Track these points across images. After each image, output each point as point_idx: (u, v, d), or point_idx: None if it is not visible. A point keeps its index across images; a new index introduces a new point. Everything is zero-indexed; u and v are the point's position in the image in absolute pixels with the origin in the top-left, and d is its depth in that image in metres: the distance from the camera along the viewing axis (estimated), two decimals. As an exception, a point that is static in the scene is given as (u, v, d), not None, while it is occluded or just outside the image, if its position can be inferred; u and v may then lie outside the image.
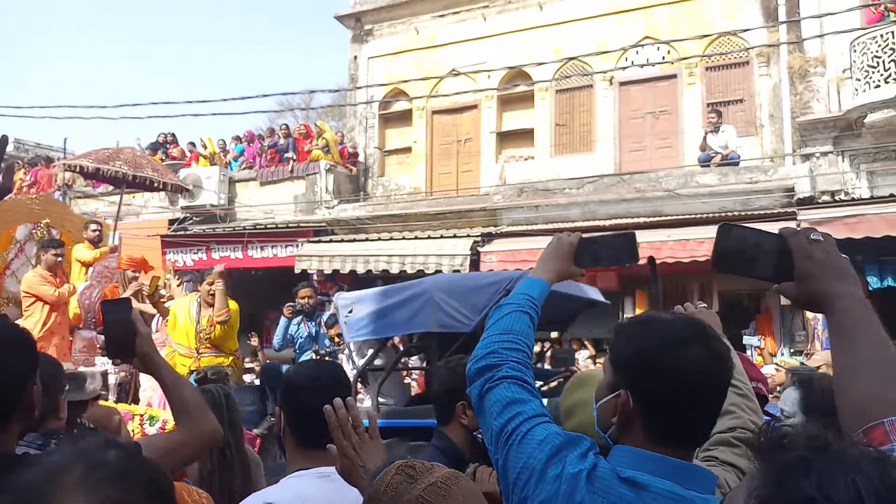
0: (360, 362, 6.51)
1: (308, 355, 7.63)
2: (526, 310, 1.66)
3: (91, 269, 7.73)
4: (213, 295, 6.76)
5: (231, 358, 6.83)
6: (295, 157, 15.22)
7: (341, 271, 12.69)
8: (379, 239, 12.98)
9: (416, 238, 12.71)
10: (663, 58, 12.79)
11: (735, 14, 12.39)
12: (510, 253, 11.70)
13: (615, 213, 11.59)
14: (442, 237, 12.55)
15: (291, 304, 7.67)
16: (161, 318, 7.44)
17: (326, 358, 7.23)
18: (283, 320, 7.84)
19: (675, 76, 13.00)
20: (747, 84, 12.55)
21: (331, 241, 13.45)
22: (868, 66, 10.38)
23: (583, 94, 13.89)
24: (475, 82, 14.17)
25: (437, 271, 12.12)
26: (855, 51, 10.59)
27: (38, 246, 8.04)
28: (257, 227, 14.19)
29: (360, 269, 12.59)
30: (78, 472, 0.92)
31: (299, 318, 7.91)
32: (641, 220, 11.12)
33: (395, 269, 12.26)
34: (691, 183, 11.38)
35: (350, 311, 6.07)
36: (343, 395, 1.63)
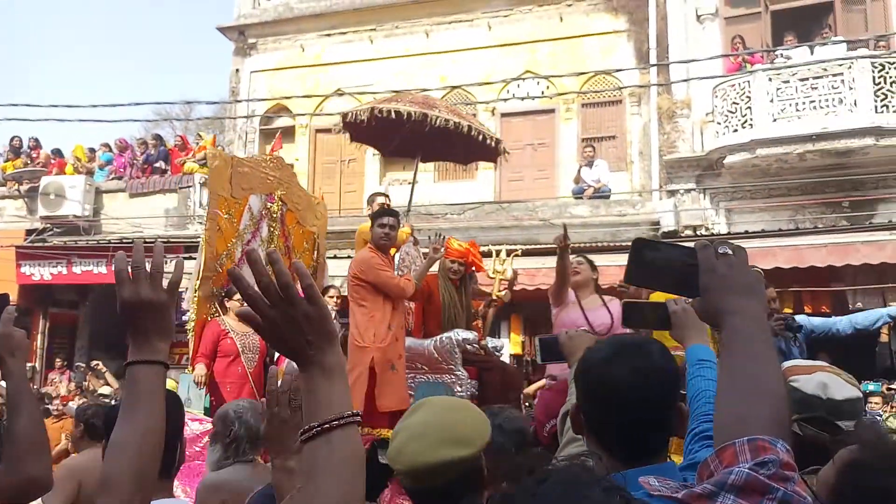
0: None
1: None
2: None
3: (397, 255, 5.89)
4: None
5: None
6: (167, 168, 14.60)
7: (213, 290, 12.21)
8: (255, 257, 12.61)
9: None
10: (542, 92, 13.23)
11: (610, 55, 13.01)
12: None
13: (494, 239, 11.76)
14: (321, 258, 12.34)
15: None
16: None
17: None
18: None
19: (553, 111, 13.47)
20: (619, 122, 13.17)
21: (204, 258, 12.94)
22: (728, 111, 11.15)
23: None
24: (360, 103, 14.10)
25: (315, 292, 11.88)
26: (717, 96, 11.36)
27: (272, 225, 6.36)
28: (124, 240, 13.43)
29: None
30: None
31: None
32: (518, 247, 11.37)
33: (270, 289, 11.93)
34: (565, 213, 11.77)
35: None
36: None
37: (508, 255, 6.24)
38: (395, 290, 5.03)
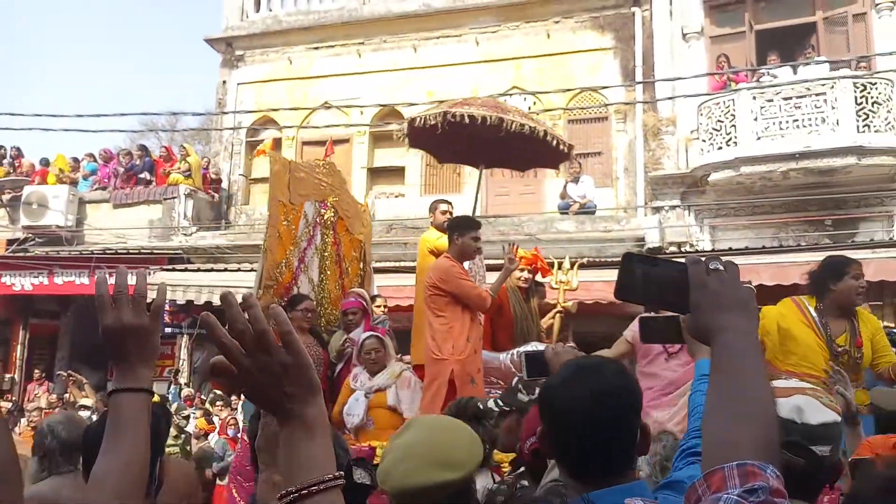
0: None
1: None
2: None
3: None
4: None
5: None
6: (152, 179, 14.54)
7: (196, 302, 12.11)
8: (239, 269, 12.54)
9: (278, 270, 12.38)
10: (529, 108, 13.27)
11: (597, 72, 13.10)
12: (377, 289, 11.61)
13: (479, 254, 11.82)
14: (306, 270, 12.30)
15: None
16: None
17: None
18: None
19: (539, 126, 13.52)
20: (605, 138, 13.24)
21: (186, 269, 12.85)
22: (713, 129, 11.24)
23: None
24: (347, 117, 14.14)
25: (299, 305, 11.84)
26: (702, 114, 11.45)
27: (325, 232, 6.07)
28: (107, 251, 13.34)
29: (217, 301, 12.07)
30: None
31: None
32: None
33: (254, 302, 11.88)
34: (551, 229, 11.81)
35: None
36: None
37: (572, 265, 6.11)
38: (477, 300, 4.83)
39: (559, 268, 6.11)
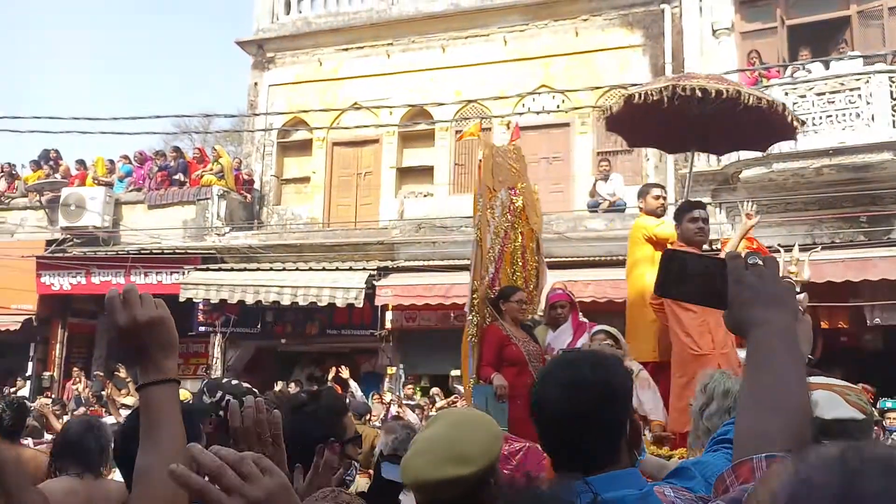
0: None
1: None
2: None
3: None
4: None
5: None
6: (185, 180, 14.78)
7: (229, 301, 12.33)
8: (271, 269, 12.72)
9: (310, 269, 12.53)
10: (558, 106, 13.26)
11: (626, 69, 13.04)
12: (406, 288, 11.73)
13: (508, 252, 11.85)
14: (337, 269, 12.43)
15: None
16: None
17: None
18: None
19: (568, 124, 13.50)
20: (635, 136, 13.15)
21: (220, 269, 13.06)
22: (744, 125, 11.12)
23: (482, 136, 14.17)
24: (377, 117, 14.25)
25: (331, 304, 11.98)
26: (732, 111, 11.33)
27: (515, 220, 5.66)
28: (142, 251, 13.62)
29: (250, 300, 12.28)
30: None
31: None
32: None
33: (286, 301, 12.06)
34: (580, 227, 11.79)
35: None
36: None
37: (803, 251, 5.44)
38: None
39: (791, 255, 5.58)
